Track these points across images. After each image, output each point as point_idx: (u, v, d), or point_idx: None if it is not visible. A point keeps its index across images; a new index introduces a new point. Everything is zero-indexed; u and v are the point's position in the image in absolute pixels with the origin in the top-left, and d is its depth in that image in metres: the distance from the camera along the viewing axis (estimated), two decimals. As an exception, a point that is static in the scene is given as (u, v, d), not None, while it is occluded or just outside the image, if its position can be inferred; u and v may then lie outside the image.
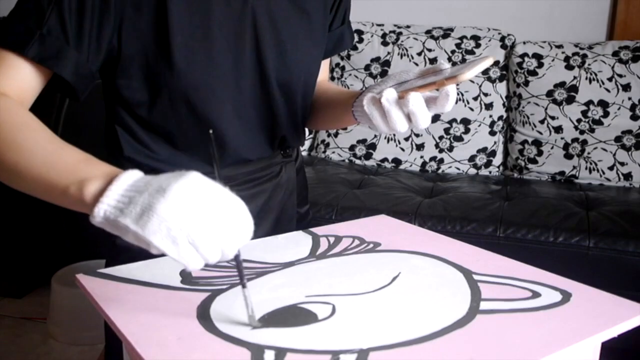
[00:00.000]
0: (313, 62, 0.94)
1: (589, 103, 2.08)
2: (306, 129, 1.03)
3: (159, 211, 0.52)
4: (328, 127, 0.96)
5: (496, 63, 2.22)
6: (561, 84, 2.11)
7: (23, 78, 0.72)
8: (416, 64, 2.26)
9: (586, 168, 2.08)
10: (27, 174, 0.63)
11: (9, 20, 0.72)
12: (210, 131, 0.63)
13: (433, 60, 2.25)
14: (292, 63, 0.88)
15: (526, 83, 2.15)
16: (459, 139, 2.21)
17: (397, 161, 2.26)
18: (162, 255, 0.54)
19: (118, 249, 0.93)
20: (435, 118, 2.20)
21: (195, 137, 0.85)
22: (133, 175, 0.57)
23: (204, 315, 0.62)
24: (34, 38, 0.70)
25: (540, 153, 2.14)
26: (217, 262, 0.55)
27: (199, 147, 0.86)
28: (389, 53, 2.29)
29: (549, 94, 2.12)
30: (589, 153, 2.08)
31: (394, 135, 2.24)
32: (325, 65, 1.04)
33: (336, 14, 0.98)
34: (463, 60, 2.23)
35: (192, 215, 0.52)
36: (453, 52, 2.24)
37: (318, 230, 0.91)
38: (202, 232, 0.52)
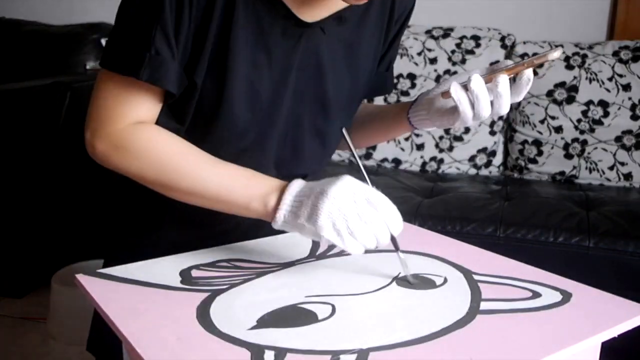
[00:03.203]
0: (351, 104, 0.93)
1: (589, 103, 2.08)
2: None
3: (324, 210, 0.66)
4: (368, 143, 1.00)
5: (496, 63, 2.22)
6: (561, 84, 2.11)
7: (149, 99, 0.77)
8: (416, 64, 2.26)
9: (586, 168, 2.08)
10: (204, 196, 0.75)
11: (117, 43, 0.75)
12: (344, 129, 0.80)
13: (433, 60, 2.25)
14: (331, 102, 0.88)
15: (526, 83, 2.15)
16: (459, 139, 2.21)
17: (397, 161, 2.26)
18: (160, 256, 0.53)
19: (117, 248, 0.94)
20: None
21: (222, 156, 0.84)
22: (299, 184, 0.71)
23: (203, 315, 0.62)
24: (145, 61, 0.73)
25: (540, 153, 2.14)
26: (375, 247, 0.68)
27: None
28: (389, 53, 2.29)
29: (549, 94, 2.12)
30: (589, 153, 2.08)
31: (394, 135, 2.24)
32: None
33: (383, 59, 0.97)
34: (463, 61, 2.23)
35: (349, 210, 0.66)
36: (453, 52, 2.24)
37: (318, 230, 0.91)
38: (357, 223, 0.66)
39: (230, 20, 0.76)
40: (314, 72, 0.84)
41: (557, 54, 0.71)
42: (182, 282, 0.71)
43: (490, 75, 0.74)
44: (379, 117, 0.97)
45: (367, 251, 0.67)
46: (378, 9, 0.89)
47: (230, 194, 0.74)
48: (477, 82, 0.73)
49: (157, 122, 0.79)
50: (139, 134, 0.76)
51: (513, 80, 0.76)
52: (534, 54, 0.72)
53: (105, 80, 0.77)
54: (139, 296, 0.67)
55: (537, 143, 2.14)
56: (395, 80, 2.27)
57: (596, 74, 2.09)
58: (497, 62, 2.17)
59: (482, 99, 0.74)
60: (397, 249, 0.73)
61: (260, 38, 0.79)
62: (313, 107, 0.86)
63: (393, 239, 0.72)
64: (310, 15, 0.81)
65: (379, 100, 2.16)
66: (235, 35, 0.77)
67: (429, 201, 1.83)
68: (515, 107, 2.19)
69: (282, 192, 0.70)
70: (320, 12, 0.82)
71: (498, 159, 2.24)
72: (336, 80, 0.87)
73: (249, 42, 0.78)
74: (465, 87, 0.74)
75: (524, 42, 2.20)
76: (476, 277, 0.73)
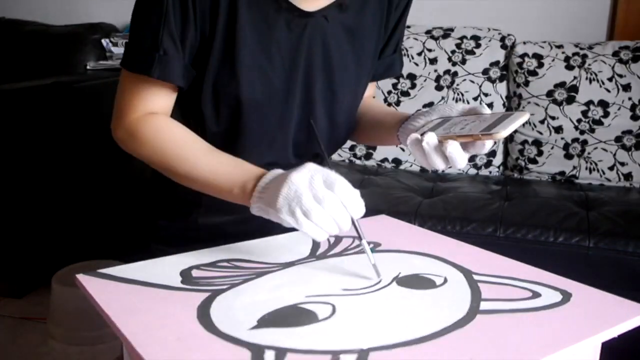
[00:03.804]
0: (358, 87, 0.99)
1: (589, 103, 2.08)
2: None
3: (282, 193, 0.68)
4: (370, 144, 1.06)
5: (496, 63, 2.22)
6: (561, 84, 2.11)
7: (161, 94, 0.86)
8: (416, 64, 2.26)
9: (586, 168, 2.08)
10: (197, 181, 0.82)
11: (132, 45, 0.85)
12: (311, 119, 0.85)
13: (433, 61, 2.25)
14: (338, 87, 0.94)
15: (526, 83, 2.15)
16: (459, 139, 2.21)
17: (397, 161, 2.26)
18: (162, 255, 0.54)
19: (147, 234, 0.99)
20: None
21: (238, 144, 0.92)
22: (274, 173, 0.74)
23: (204, 315, 0.63)
24: (155, 61, 0.82)
25: (540, 153, 2.14)
26: (337, 233, 0.69)
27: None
28: (389, 53, 2.29)
29: (549, 94, 2.12)
30: (589, 153, 2.08)
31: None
32: (372, 85, 1.09)
33: (389, 42, 1.02)
34: (463, 61, 2.23)
35: (304, 192, 0.67)
36: (453, 52, 2.24)
37: (318, 230, 0.91)
38: (312, 204, 0.67)
39: (235, 17, 0.83)
40: (322, 58, 0.91)
41: (503, 133, 0.73)
42: (182, 282, 0.71)
43: (444, 136, 0.78)
44: (377, 127, 1.02)
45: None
46: None
47: (216, 180, 0.79)
48: (428, 142, 0.79)
49: (196, 124, 0.89)
50: (148, 124, 0.84)
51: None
52: (506, 110, 0.76)
53: (124, 77, 0.87)
54: (139, 296, 0.67)
55: (537, 143, 2.14)
56: (395, 81, 2.27)
57: (596, 74, 2.09)
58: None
59: (432, 156, 0.79)
60: (360, 236, 0.74)
61: (267, 30, 0.86)
62: (322, 90, 0.93)
63: (355, 226, 0.73)
64: (312, 4, 0.87)
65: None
66: (242, 30, 0.84)
67: (429, 201, 1.83)
68: (515, 107, 2.19)
69: (258, 179, 0.74)
70: (322, 1, 0.88)
71: (498, 159, 2.24)
72: (342, 64, 0.93)
73: (256, 35, 0.85)
74: (418, 141, 0.80)
75: (524, 42, 2.20)
76: (476, 277, 0.73)
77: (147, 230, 1.01)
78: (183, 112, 0.92)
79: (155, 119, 0.86)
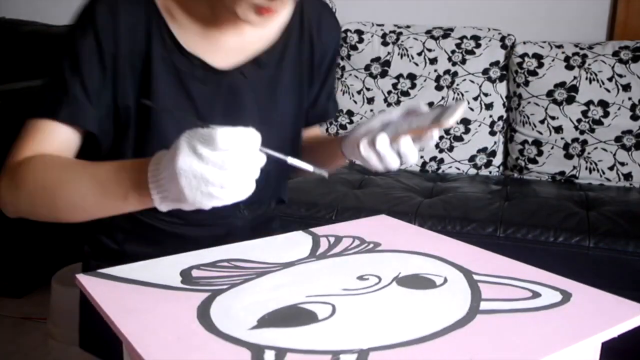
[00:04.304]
0: (284, 143, 0.94)
1: (589, 103, 2.08)
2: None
3: (183, 186, 0.61)
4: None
5: (496, 63, 2.22)
6: (561, 84, 2.11)
7: (60, 140, 0.81)
8: (416, 64, 2.26)
9: (586, 168, 2.08)
10: (85, 204, 0.73)
11: (41, 94, 0.82)
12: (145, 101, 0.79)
13: (433, 61, 2.25)
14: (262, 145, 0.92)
15: (526, 83, 2.15)
16: (459, 139, 2.21)
17: (397, 161, 2.26)
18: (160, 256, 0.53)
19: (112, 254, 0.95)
20: (435, 118, 2.21)
21: None
22: (155, 161, 0.65)
23: (204, 315, 0.62)
24: (63, 104, 0.80)
25: (540, 153, 2.14)
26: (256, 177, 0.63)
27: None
28: (389, 53, 2.29)
29: (549, 94, 2.12)
30: (589, 153, 2.08)
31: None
32: (315, 129, 1.11)
33: (320, 94, 1.04)
34: (463, 61, 2.23)
35: (205, 172, 0.60)
36: (453, 52, 2.24)
37: (318, 230, 0.91)
38: (221, 178, 0.60)
39: (149, 73, 0.84)
40: (239, 116, 0.90)
41: (452, 121, 0.76)
42: (182, 282, 0.71)
43: (395, 135, 0.81)
44: (323, 146, 1.03)
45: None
46: (295, 50, 0.96)
47: (105, 192, 0.70)
48: (382, 143, 0.80)
49: None
50: (26, 163, 0.77)
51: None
52: (447, 106, 0.79)
53: (25, 126, 0.82)
54: (139, 296, 0.67)
55: (537, 143, 2.14)
56: (395, 81, 2.27)
57: (596, 74, 2.09)
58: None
59: (387, 156, 0.81)
60: (282, 158, 0.69)
61: (181, 88, 0.86)
62: None
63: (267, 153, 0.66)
64: (227, 62, 0.88)
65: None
66: (156, 87, 0.84)
67: (429, 201, 1.83)
68: (515, 107, 2.19)
69: (145, 175, 0.66)
70: (237, 57, 0.89)
71: (498, 159, 2.24)
72: (262, 121, 0.90)
73: (171, 93, 0.85)
74: (374, 143, 0.81)
75: (524, 42, 2.20)
76: (476, 277, 0.73)
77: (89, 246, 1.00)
78: None
79: (36, 156, 0.78)
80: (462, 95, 2.21)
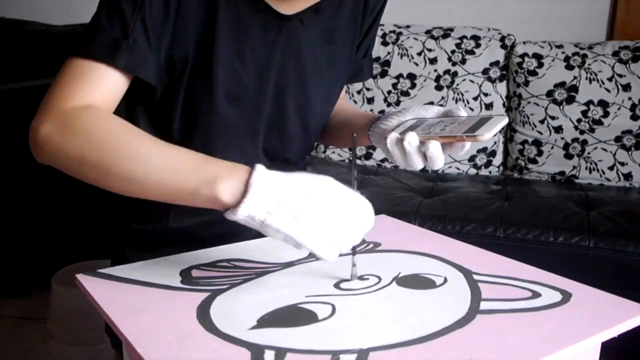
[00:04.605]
0: (332, 93, 0.97)
1: (589, 103, 2.08)
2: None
3: (310, 219, 0.61)
4: (339, 145, 1.01)
5: (496, 63, 2.22)
6: (561, 84, 2.11)
7: (110, 88, 0.73)
8: (416, 64, 2.26)
9: (586, 168, 2.08)
10: (148, 180, 0.66)
11: (92, 31, 0.72)
12: (354, 134, 0.75)
13: (433, 60, 2.25)
14: (312, 92, 0.92)
15: (526, 83, 2.15)
16: (459, 139, 2.21)
17: (397, 161, 2.26)
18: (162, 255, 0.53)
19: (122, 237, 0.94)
20: (435, 118, 2.21)
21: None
22: (266, 175, 0.62)
23: (203, 315, 0.62)
24: (122, 48, 0.72)
25: (540, 153, 2.14)
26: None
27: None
28: (389, 53, 2.29)
29: (549, 94, 2.12)
30: (589, 153, 2.08)
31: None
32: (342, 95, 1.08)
33: (360, 46, 1.01)
34: (463, 61, 2.23)
35: (336, 221, 0.61)
36: (453, 52, 2.24)
37: (318, 230, 0.91)
38: (343, 234, 0.62)
39: (214, 18, 0.79)
40: (296, 63, 0.88)
41: (487, 136, 0.73)
42: (182, 282, 0.71)
43: (426, 136, 0.77)
44: (348, 126, 1.00)
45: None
46: (351, 4, 0.93)
47: (174, 177, 0.65)
48: (410, 142, 0.77)
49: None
50: (85, 114, 0.70)
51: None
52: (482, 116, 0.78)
53: (66, 67, 0.73)
54: (139, 296, 0.67)
55: (537, 143, 2.14)
56: (395, 81, 2.27)
57: (596, 74, 2.09)
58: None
59: (413, 156, 0.78)
60: (354, 251, 0.72)
61: (242, 34, 0.82)
62: (295, 96, 0.90)
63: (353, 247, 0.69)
64: (289, 8, 0.85)
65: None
66: (218, 32, 0.79)
67: (429, 201, 1.83)
68: (515, 107, 2.19)
69: (244, 180, 0.62)
70: (298, 4, 0.85)
71: (498, 159, 2.24)
72: (316, 69, 0.91)
73: (232, 39, 0.81)
74: (402, 139, 0.78)
75: (524, 42, 2.20)
76: (476, 277, 0.73)
77: (121, 234, 0.95)
78: (148, 119, 0.86)
79: (94, 109, 0.71)
80: (462, 95, 2.21)
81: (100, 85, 0.72)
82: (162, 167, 0.65)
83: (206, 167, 0.64)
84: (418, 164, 0.78)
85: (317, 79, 0.92)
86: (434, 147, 0.75)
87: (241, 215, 0.61)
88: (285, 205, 0.61)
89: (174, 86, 0.81)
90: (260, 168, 0.62)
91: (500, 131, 2.21)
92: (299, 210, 0.61)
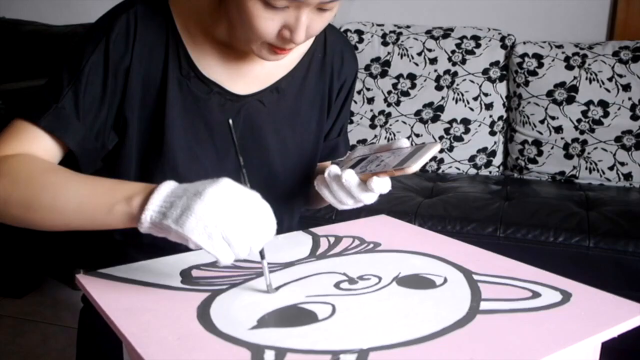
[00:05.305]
0: (303, 173, 0.96)
1: (589, 103, 2.08)
2: None
3: (196, 211, 0.60)
4: (322, 204, 1.00)
5: (496, 63, 2.22)
6: (561, 84, 2.11)
7: (40, 147, 0.78)
8: (416, 64, 2.26)
9: (586, 168, 2.08)
10: (67, 206, 0.69)
11: (34, 96, 0.80)
12: (230, 121, 0.74)
13: (433, 60, 2.25)
14: (279, 171, 0.91)
15: (526, 83, 2.15)
16: (459, 139, 2.21)
17: (397, 161, 2.25)
18: (160, 255, 0.53)
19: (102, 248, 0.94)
20: (436, 118, 2.21)
21: None
22: (171, 185, 0.65)
23: (204, 315, 0.62)
24: (49, 111, 0.77)
25: (540, 153, 2.14)
26: (245, 257, 0.63)
27: None
28: (389, 53, 2.29)
29: (549, 94, 2.12)
30: (589, 153, 2.08)
31: (394, 134, 2.25)
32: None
33: (333, 127, 1.02)
34: (463, 61, 2.23)
35: (225, 214, 0.60)
36: (453, 52, 2.24)
37: (318, 230, 0.91)
38: (234, 229, 0.60)
39: (164, 96, 0.82)
40: (257, 144, 0.88)
41: (415, 167, 0.75)
42: (182, 282, 0.71)
43: (364, 174, 0.80)
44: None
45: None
46: (315, 81, 0.94)
47: (91, 201, 0.68)
48: (347, 180, 0.79)
49: None
50: (13, 158, 0.75)
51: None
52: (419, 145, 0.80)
53: (11, 124, 0.79)
54: (139, 296, 0.67)
55: (537, 143, 2.14)
56: (395, 81, 2.27)
57: (596, 74, 2.09)
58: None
59: (354, 192, 0.80)
60: (263, 257, 0.70)
61: (198, 113, 0.84)
62: (260, 177, 0.88)
63: (261, 252, 0.69)
64: (245, 89, 0.86)
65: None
66: (171, 110, 0.82)
67: (429, 201, 1.83)
68: (515, 107, 2.19)
69: (149, 193, 0.64)
70: (256, 85, 0.87)
71: (498, 159, 2.24)
72: (282, 150, 0.91)
73: (186, 118, 0.83)
74: (337, 177, 0.80)
75: (524, 42, 2.20)
76: (476, 277, 0.73)
77: (123, 234, 0.92)
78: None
79: (23, 155, 0.76)
80: (462, 95, 2.21)
81: (30, 143, 0.78)
82: (82, 192, 0.69)
83: (122, 187, 0.68)
84: (345, 200, 0.81)
85: (285, 160, 0.91)
86: (380, 183, 0.78)
87: (145, 222, 0.63)
88: (175, 204, 0.62)
89: (128, 158, 0.84)
90: (168, 182, 0.65)
91: (500, 131, 2.21)
92: (186, 205, 0.60)
